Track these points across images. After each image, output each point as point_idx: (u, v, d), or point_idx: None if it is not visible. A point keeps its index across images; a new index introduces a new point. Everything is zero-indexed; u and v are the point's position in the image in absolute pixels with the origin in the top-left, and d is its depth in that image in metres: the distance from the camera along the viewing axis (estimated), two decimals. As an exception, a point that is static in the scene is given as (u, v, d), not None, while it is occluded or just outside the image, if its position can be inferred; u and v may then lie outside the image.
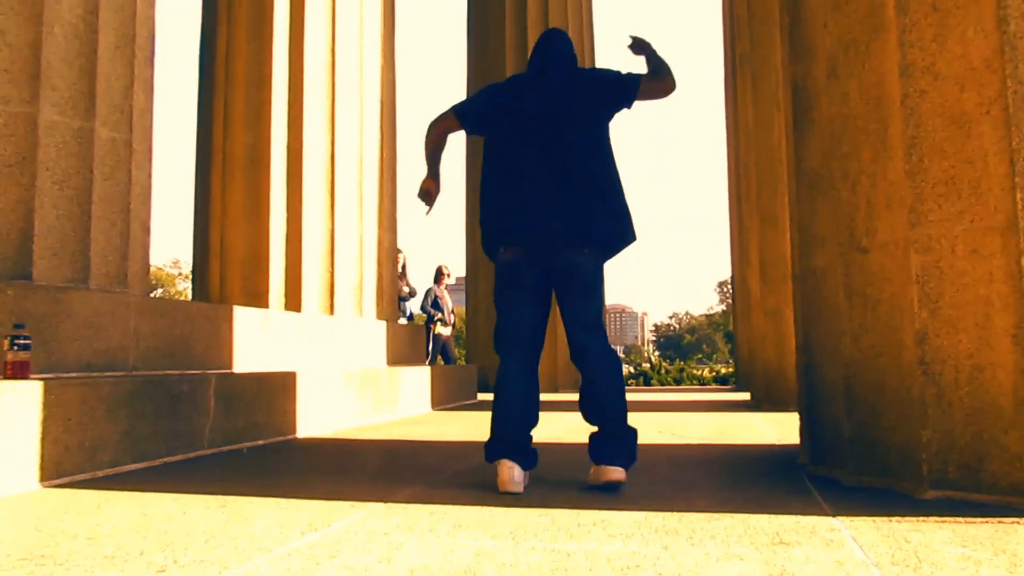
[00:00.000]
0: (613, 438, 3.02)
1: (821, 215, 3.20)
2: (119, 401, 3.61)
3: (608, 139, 3.22)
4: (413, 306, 11.18)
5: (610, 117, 3.26)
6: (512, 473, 2.91)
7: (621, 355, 15.44)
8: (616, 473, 2.94)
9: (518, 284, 3.12)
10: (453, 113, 3.37)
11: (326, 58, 7.28)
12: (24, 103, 3.88)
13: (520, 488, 2.92)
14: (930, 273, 2.70)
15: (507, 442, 2.99)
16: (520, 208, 3.08)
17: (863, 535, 2.20)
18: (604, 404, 3.05)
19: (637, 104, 3.30)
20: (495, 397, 3.11)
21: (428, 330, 11.11)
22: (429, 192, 3.42)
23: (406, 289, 10.69)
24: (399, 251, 10.62)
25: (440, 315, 11.14)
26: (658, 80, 3.27)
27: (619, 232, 3.14)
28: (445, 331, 11.25)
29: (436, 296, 11.29)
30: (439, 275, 11.47)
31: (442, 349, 11.48)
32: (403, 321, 10.43)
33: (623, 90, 3.24)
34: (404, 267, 10.71)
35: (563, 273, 3.10)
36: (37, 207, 3.87)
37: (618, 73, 3.28)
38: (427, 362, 10.90)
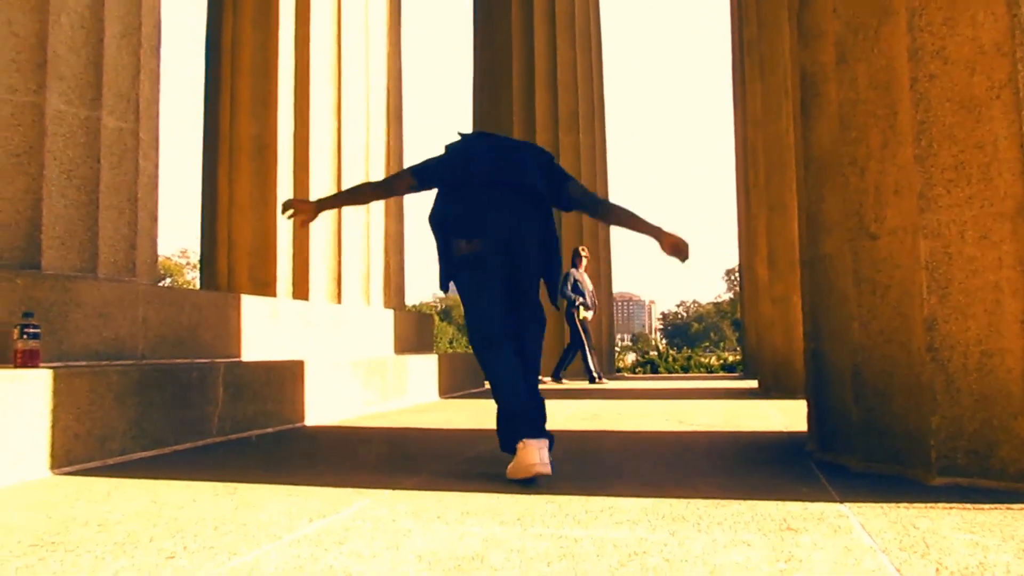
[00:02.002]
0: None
1: (829, 201, 3.19)
2: (128, 389, 3.63)
3: (549, 211, 3.34)
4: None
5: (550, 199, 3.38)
6: (542, 453, 2.86)
7: (628, 343, 15.39)
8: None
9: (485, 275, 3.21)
10: (410, 174, 3.44)
11: (332, 46, 7.27)
12: (31, 93, 3.88)
13: (549, 469, 2.86)
14: (939, 259, 2.69)
15: (529, 421, 2.96)
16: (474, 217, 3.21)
17: (871, 521, 2.19)
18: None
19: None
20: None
21: (570, 316, 10.57)
22: (305, 212, 3.47)
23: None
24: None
25: (581, 299, 10.53)
26: (594, 203, 3.48)
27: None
28: (588, 315, 10.61)
29: (576, 280, 10.62)
30: (577, 257, 10.81)
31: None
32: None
33: (559, 183, 3.39)
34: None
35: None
36: (45, 196, 3.88)
37: (556, 165, 3.45)
38: (589, 348, 10.54)
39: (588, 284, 10.79)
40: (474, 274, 3.20)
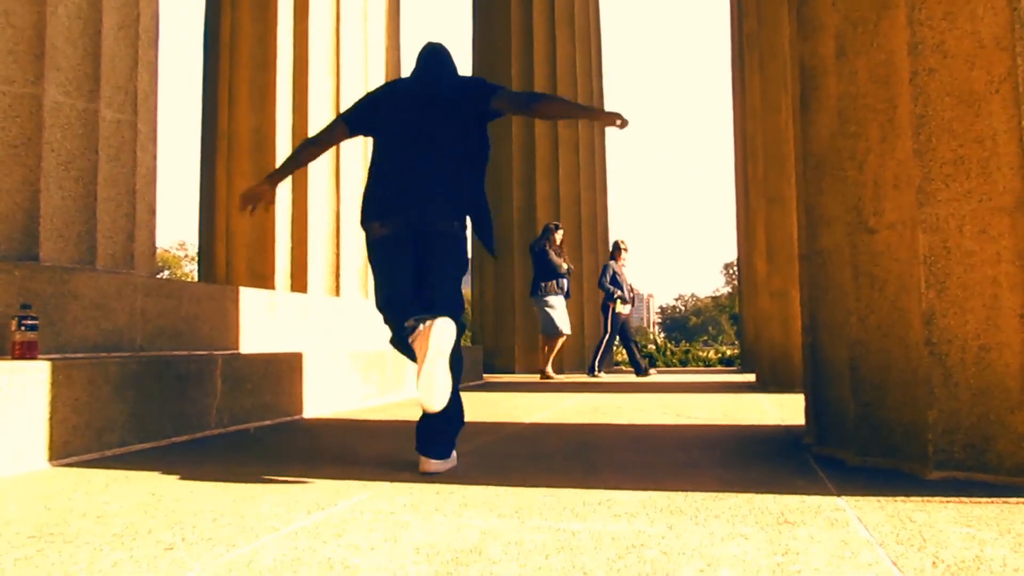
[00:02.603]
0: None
1: (828, 195, 3.19)
2: (126, 381, 3.63)
3: (475, 143, 3.36)
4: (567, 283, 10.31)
5: (478, 123, 3.37)
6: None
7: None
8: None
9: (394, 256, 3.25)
10: (342, 120, 3.48)
11: (330, 39, 7.25)
12: (29, 84, 3.87)
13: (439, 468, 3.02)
14: (938, 253, 2.69)
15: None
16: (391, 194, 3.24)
17: (868, 515, 2.20)
18: None
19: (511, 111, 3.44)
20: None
21: (606, 308, 10.46)
22: (262, 195, 3.44)
23: (564, 266, 9.98)
24: (557, 225, 10.17)
25: (619, 292, 10.36)
26: (530, 102, 3.43)
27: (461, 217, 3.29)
28: (624, 309, 10.46)
29: (614, 272, 10.46)
30: (616, 250, 10.72)
31: (621, 329, 10.66)
32: (560, 299, 9.89)
33: (483, 101, 3.35)
34: (562, 243, 10.10)
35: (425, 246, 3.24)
36: (43, 188, 3.87)
37: (482, 85, 3.42)
38: (606, 341, 10.43)
39: (626, 276, 10.65)
40: (383, 258, 3.26)
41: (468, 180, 3.32)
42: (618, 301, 10.37)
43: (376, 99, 3.49)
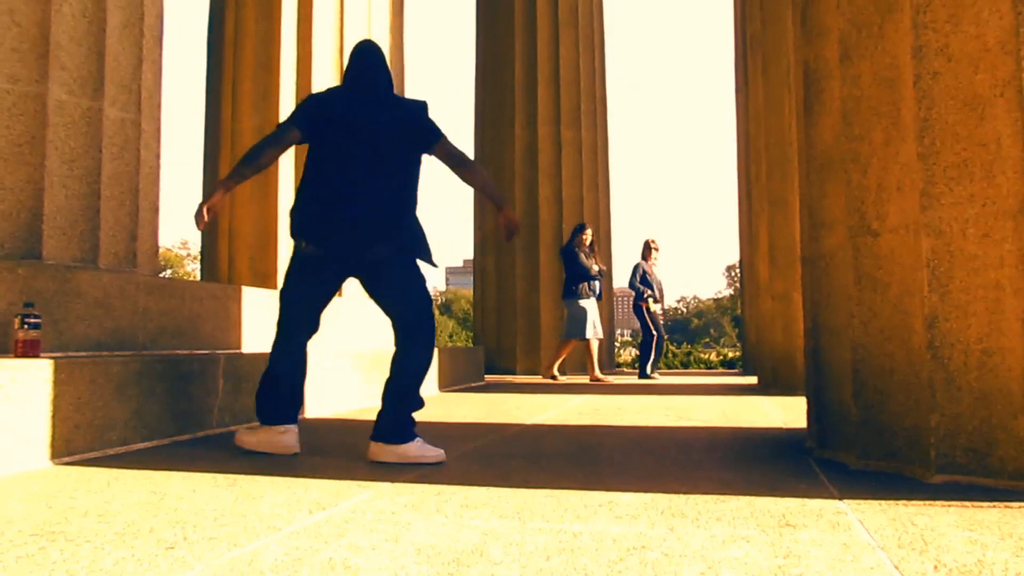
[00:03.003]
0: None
1: (831, 198, 3.19)
2: (128, 380, 3.63)
3: (412, 167, 3.49)
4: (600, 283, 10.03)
5: (415, 150, 3.51)
6: (291, 438, 3.41)
7: (628, 338, 15.31)
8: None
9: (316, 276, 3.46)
10: (295, 126, 3.50)
11: (334, 40, 7.25)
12: (33, 83, 3.88)
13: (297, 448, 3.40)
14: (941, 257, 2.69)
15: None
16: (325, 212, 3.37)
17: (870, 518, 2.20)
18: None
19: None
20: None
21: (639, 308, 10.32)
22: (215, 210, 3.46)
23: (596, 267, 9.78)
24: (586, 227, 9.99)
25: (650, 292, 10.26)
26: (458, 163, 3.55)
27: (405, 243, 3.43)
28: (656, 309, 10.34)
29: (645, 272, 10.36)
30: (647, 250, 10.56)
31: (645, 328, 10.52)
32: (591, 301, 9.66)
33: (425, 140, 3.50)
34: (593, 243, 9.92)
35: (367, 269, 3.42)
36: (47, 187, 3.88)
37: (428, 121, 3.52)
38: (655, 341, 10.29)
39: (658, 277, 10.52)
40: (301, 275, 3.45)
41: (405, 201, 3.45)
42: (649, 300, 10.27)
43: (322, 107, 3.52)
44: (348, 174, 3.36)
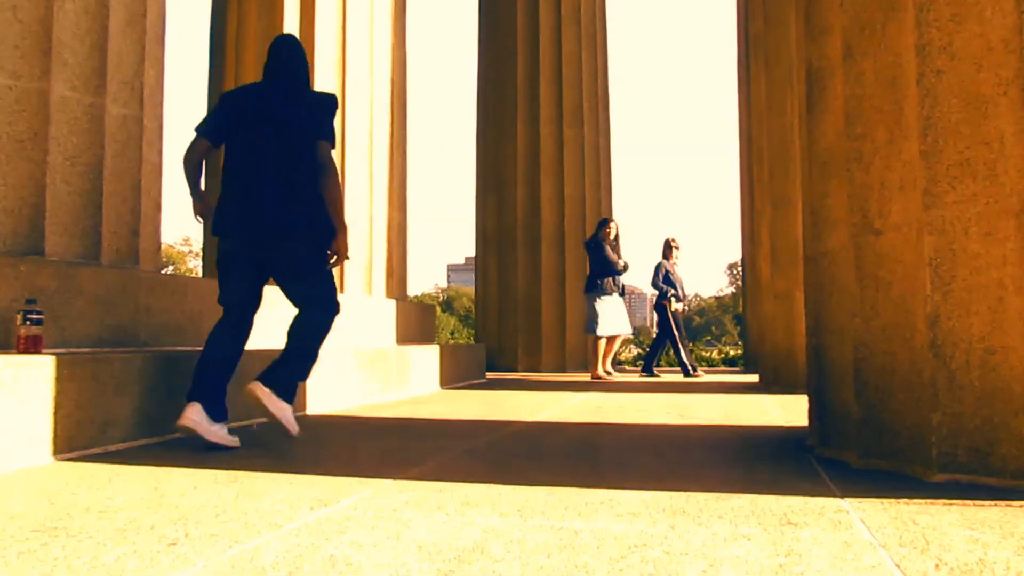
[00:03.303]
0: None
1: (834, 197, 3.18)
2: (130, 377, 3.63)
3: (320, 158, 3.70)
4: (624, 280, 9.81)
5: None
6: (193, 411, 3.43)
7: (630, 337, 15.25)
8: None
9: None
10: (202, 136, 3.76)
11: (337, 36, 7.25)
12: (36, 79, 3.88)
13: (193, 424, 3.41)
14: (943, 255, 2.68)
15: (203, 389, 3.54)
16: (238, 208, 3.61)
17: (871, 517, 2.20)
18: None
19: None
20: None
21: (662, 308, 10.27)
22: (204, 215, 3.90)
23: (621, 262, 9.55)
24: (612, 221, 9.81)
25: (673, 291, 10.17)
26: (319, 169, 3.70)
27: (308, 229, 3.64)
28: (679, 307, 10.28)
29: (667, 271, 10.30)
30: (668, 249, 10.49)
31: (663, 327, 10.47)
32: (616, 297, 9.51)
33: (317, 131, 3.70)
34: (617, 238, 9.75)
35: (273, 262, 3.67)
36: (49, 183, 3.88)
37: (324, 118, 3.74)
38: (680, 341, 10.18)
39: (679, 275, 10.42)
40: (224, 266, 3.70)
41: (310, 195, 3.64)
42: (672, 300, 10.18)
43: (233, 107, 3.75)
44: (258, 172, 3.59)
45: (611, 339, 9.72)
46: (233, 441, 3.53)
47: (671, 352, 10.99)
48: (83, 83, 4.08)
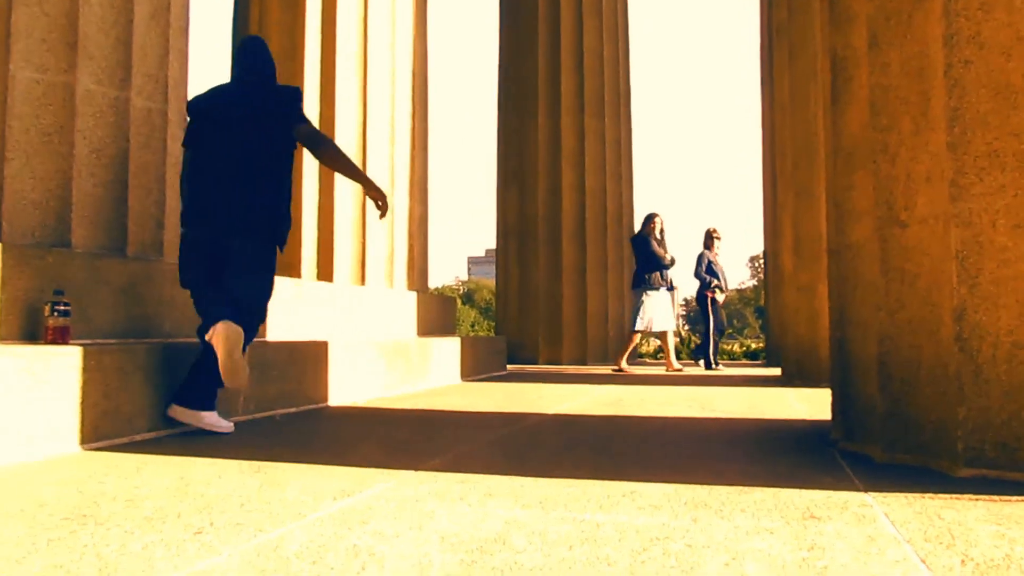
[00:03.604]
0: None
1: (858, 188, 3.15)
2: (156, 367, 3.67)
3: (283, 146, 3.89)
4: (671, 273, 9.74)
5: (283, 135, 3.90)
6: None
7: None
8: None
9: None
10: (187, 148, 3.93)
11: (358, 29, 7.26)
12: (62, 72, 3.92)
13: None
14: (970, 248, 2.65)
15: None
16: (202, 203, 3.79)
17: (895, 511, 2.18)
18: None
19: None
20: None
21: (704, 298, 10.11)
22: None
23: (668, 256, 9.51)
24: (657, 215, 9.71)
25: (716, 281, 10.10)
26: (313, 144, 4.00)
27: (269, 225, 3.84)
28: (721, 298, 10.17)
29: (710, 261, 10.23)
30: (710, 239, 10.42)
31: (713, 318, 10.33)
32: (663, 292, 9.45)
33: (286, 119, 3.89)
34: (663, 232, 9.64)
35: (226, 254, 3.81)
36: (75, 175, 3.92)
37: (293, 107, 3.92)
38: (714, 331, 10.10)
39: (722, 265, 10.34)
40: (187, 255, 3.84)
41: (272, 189, 3.82)
42: (716, 291, 10.10)
43: (199, 109, 3.90)
44: (213, 178, 3.77)
45: (635, 334, 9.70)
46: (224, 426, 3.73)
47: (690, 343, 10.91)
48: (108, 76, 4.11)
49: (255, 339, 4.00)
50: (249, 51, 4.03)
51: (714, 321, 10.18)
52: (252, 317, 3.82)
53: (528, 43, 12.17)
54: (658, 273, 9.41)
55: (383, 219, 4.09)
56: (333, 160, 4.06)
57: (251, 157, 3.77)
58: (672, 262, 9.55)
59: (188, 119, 3.96)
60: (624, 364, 9.62)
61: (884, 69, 2.99)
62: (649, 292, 9.38)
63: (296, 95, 3.98)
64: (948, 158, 2.70)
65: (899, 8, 2.94)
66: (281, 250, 4.01)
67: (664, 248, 9.56)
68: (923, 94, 2.84)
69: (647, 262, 9.44)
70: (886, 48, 2.98)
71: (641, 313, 9.37)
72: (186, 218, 3.86)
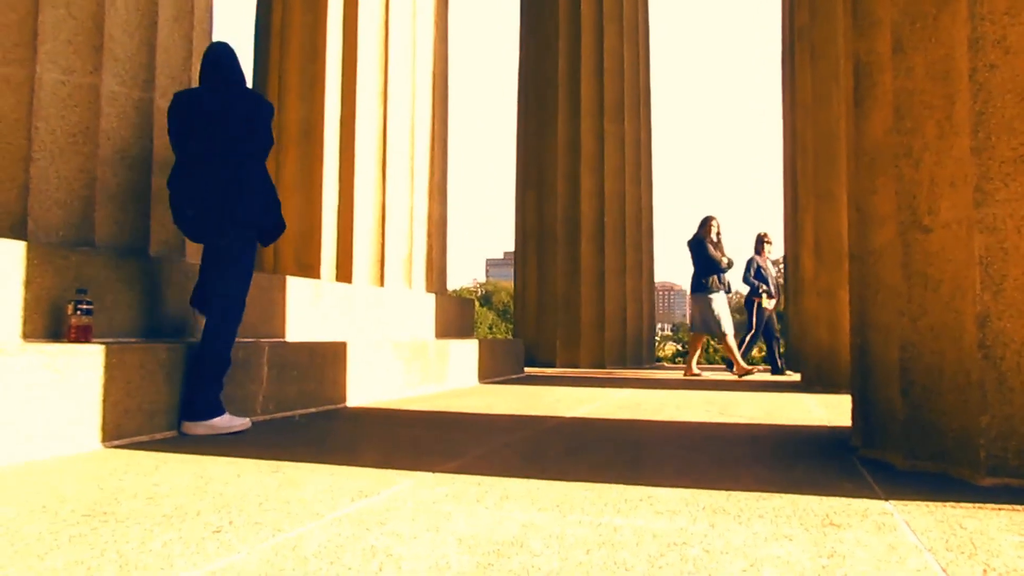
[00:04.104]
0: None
1: (881, 193, 3.12)
2: (177, 366, 3.70)
3: (262, 141, 4.00)
4: (730, 277, 9.67)
5: (253, 129, 3.97)
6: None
7: (668, 332, 15.12)
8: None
9: None
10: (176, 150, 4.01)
11: (379, 30, 7.30)
12: (88, 74, 3.96)
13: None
14: (994, 254, 2.62)
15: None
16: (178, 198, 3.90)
17: (916, 520, 2.16)
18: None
19: None
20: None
21: (751, 304, 10.11)
22: None
23: (725, 259, 9.41)
24: (713, 218, 9.65)
25: (765, 287, 10.02)
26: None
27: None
28: (769, 305, 10.10)
29: (759, 266, 10.15)
30: (760, 244, 10.34)
31: (765, 325, 10.26)
32: (722, 296, 9.32)
33: (253, 125, 3.96)
34: (719, 234, 9.59)
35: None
36: (99, 175, 3.97)
37: (262, 118, 4.00)
38: (750, 337, 10.12)
39: (771, 271, 10.26)
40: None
41: (243, 187, 3.86)
42: (764, 296, 10.03)
43: (176, 119, 3.96)
44: (187, 180, 3.85)
45: (698, 337, 9.68)
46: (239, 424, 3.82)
47: (711, 347, 10.83)
48: (132, 78, 4.16)
49: (272, 339, 4.05)
50: (209, 57, 4.04)
51: (756, 327, 10.12)
52: (226, 321, 3.85)
53: (548, 46, 12.16)
54: (716, 277, 9.33)
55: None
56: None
57: (221, 156, 3.83)
58: (729, 264, 9.48)
59: (170, 131, 3.99)
60: (695, 367, 9.66)
61: (908, 73, 2.96)
62: (712, 296, 9.29)
63: (268, 108, 4.06)
64: (972, 163, 2.67)
65: (924, 12, 2.92)
66: (263, 244, 4.10)
67: (721, 251, 9.49)
68: (948, 98, 2.82)
69: (705, 266, 9.36)
70: (911, 52, 2.96)
71: (724, 317, 9.28)
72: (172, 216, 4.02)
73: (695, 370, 9.63)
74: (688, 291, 9.80)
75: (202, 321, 3.93)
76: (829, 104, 7.37)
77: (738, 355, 9.60)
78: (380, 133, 7.23)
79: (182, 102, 3.95)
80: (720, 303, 9.34)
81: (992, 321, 2.61)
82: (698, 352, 9.89)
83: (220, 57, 4.01)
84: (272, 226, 4.03)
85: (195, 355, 3.78)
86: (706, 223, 9.59)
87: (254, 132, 3.94)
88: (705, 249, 9.38)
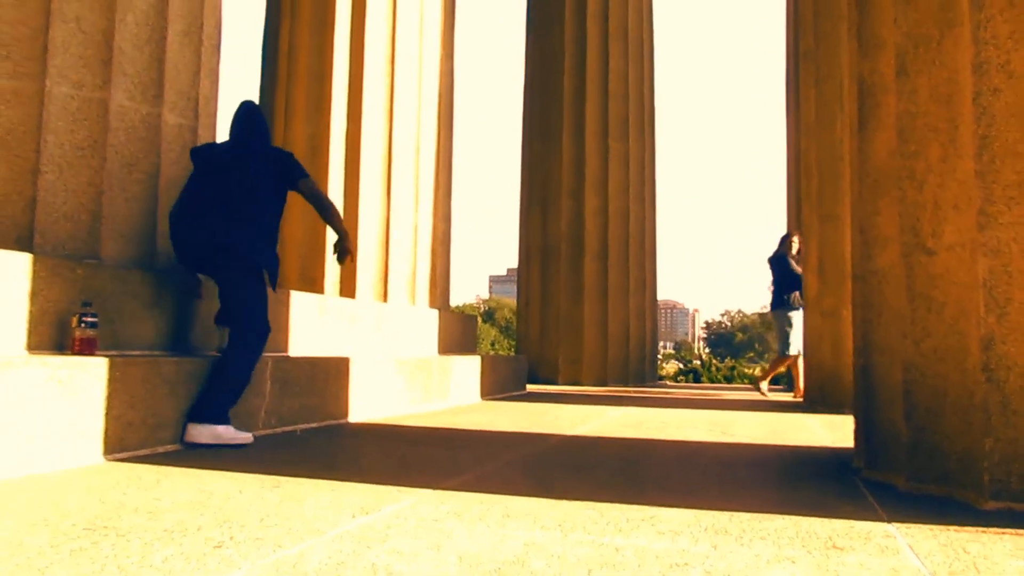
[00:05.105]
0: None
1: (885, 215, 3.13)
2: (180, 380, 3.71)
3: (271, 193, 4.18)
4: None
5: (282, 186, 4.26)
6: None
7: (671, 351, 15.08)
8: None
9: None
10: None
11: (386, 51, 7.34)
12: (97, 88, 3.99)
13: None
14: (998, 277, 2.62)
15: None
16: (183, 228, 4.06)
17: (920, 543, 2.15)
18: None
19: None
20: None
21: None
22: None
23: (799, 270, 9.05)
24: (794, 234, 9.48)
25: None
26: (317, 206, 4.41)
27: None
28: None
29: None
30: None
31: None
32: (801, 313, 8.93)
33: (287, 176, 4.26)
34: (800, 251, 9.23)
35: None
36: (106, 189, 3.99)
37: (290, 166, 4.25)
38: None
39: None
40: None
41: (250, 223, 4.03)
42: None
43: (198, 161, 4.18)
44: (204, 203, 4.02)
45: (786, 358, 9.50)
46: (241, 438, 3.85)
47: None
48: (141, 93, 4.19)
49: (275, 353, 4.08)
50: (240, 115, 4.30)
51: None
52: (246, 347, 3.96)
53: (554, 65, 12.22)
54: (797, 293, 9.14)
55: (341, 264, 4.53)
56: (325, 211, 4.40)
57: (228, 196, 4.00)
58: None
59: (194, 171, 4.18)
60: (765, 386, 9.62)
61: (912, 96, 2.98)
62: (791, 313, 9.18)
63: (292, 156, 4.32)
64: (976, 186, 2.68)
65: (928, 35, 2.94)
66: (272, 288, 4.23)
67: (801, 267, 9.22)
68: (951, 121, 2.83)
69: (786, 281, 9.24)
70: (914, 75, 2.97)
71: (793, 335, 9.15)
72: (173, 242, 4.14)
73: (763, 387, 9.53)
74: (768, 308, 9.65)
75: (226, 335, 4.05)
76: (833, 126, 7.40)
77: (791, 375, 9.43)
78: (385, 151, 7.26)
79: (203, 150, 4.22)
80: (799, 321, 9.14)
81: (996, 344, 2.61)
82: (780, 371, 9.69)
83: (248, 113, 4.31)
84: (268, 266, 4.14)
85: (217, 362, 3.88)
86: (787, 239, 9.53)
87: (276, 183, 4.19)
88: (788, 265, 9.28)
